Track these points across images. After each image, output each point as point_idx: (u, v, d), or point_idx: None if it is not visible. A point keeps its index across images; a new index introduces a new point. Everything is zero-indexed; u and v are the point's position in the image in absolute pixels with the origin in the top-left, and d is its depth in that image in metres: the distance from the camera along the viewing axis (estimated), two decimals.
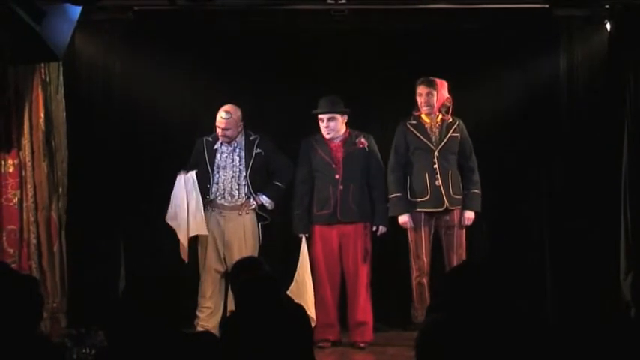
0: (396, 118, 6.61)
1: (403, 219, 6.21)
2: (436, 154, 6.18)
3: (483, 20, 6.43)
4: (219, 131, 6.19)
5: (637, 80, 6.20)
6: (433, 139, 6.21)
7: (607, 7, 6.16)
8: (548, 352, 2.85)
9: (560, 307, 6.35)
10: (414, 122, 6.26)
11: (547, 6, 6.02)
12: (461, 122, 6.28)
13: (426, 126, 6.23)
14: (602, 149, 6.33)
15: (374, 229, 6.22)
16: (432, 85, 6.18)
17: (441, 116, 6.25)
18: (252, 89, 6.62)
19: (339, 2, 6.01)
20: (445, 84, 6.23)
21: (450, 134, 6.22)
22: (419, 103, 6.22)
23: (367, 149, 6.25)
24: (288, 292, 5.75)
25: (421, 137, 6.21)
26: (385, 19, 6.53)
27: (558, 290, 6.40)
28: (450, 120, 6.26)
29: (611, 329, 3.05)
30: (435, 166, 6.17)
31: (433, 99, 6.18)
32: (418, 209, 6.19)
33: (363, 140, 6.25)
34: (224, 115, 6.17)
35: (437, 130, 6.22)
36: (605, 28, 6.31)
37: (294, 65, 6.80)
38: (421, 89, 6.19)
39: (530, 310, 6.11)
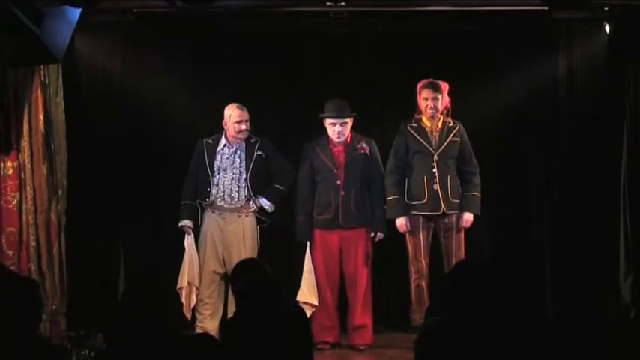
0: (396, 120, 6.61)
1: (400, 222, 6.19)
2: (435, 157, 6.17)
3: (483, 22, 6.43)
4: (238, 127, 6.14)
5: (636, 82, 6.20)
6: (433, 143, 6.19)
7: (606, 9, 6.16)
8: (548, 353, 2.85)
9: (560, 307, 6.35)
10: (415, 125, 6.25)
11: (547, 8, 6.02)
12: (461, 126, 6.27)
13: (427, 129, 6.22)
14: (601, 150, 6.34)
15: (372, 234, 6.22)
16: (437, 89, 6.15)
17: (442, 119, 6.25)
18: (251, 91, 6.61)
19: (339, 4, 6.00)
20: (447, 86, 6.22)
21: (450, 138, 6.21)
22: (423, 106, 6.19)
23: (368, 154, 6.24)
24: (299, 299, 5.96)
25: (421, 140, 6.20)
26: (384, 21, 6.53)
27: (558, 291, 6.41)
28: (451, 124, 6.25)
29: (610, 330, 3.06)
30: (434, 169, 6.15)
31: (438, 103, 6.16)
32: (415, 212, 6.19)
33: (364, 145, 6.24)
34: (242, 108, 6.18)
35: (437, 134, 6.21)
36: (605, 30, 6.32)
37: (294, 67, 6.80)
38: (426, 93, 6.17)
39: (530, 311, 6.11)
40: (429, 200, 6.15)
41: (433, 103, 6.16)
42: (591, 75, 6.44)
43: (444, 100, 6.20)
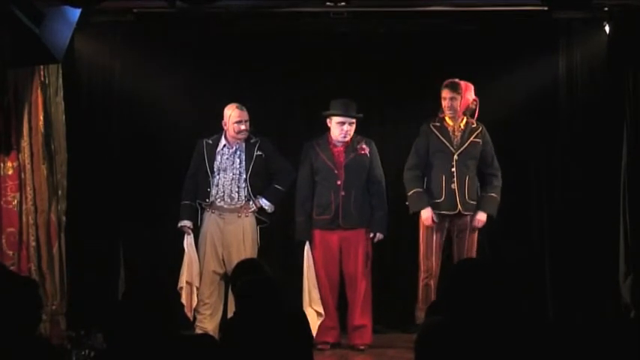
0: (396, 120, 6.60)
1: (426, 213, 6.11)
2: (455, 157, 6.15)
3: (483, 22, 6.43)
4: (237, 127, 6.14)
5: (636, 82, 6.20)
6: (454, 143, 6.17)
7: (606, 9, 6.16)
8: (548, 353, 2.85)
9: (560, 308, 6.35)
10: (438, 124, 6.22)
11: (546, 8, 6.02)
12: (484, 128, 6.25)
13: (449, 128, 6.20)
14: (601, 151, 6.34)
15: (371, 235, 6.21)
16: (456, 89, 6.13)
17: (465, 120, 6.23)
18: (251, 92, 6.62)
19: (339, 4, 6.00)
20: (471, 87, 6.19)
21: (471, 139, 6.19)
22: (442, 106, 6.19)
23: (368, 155, 6.24)
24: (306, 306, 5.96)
25: (442, 139, 6.18)
26: (384, 22, 6.53)
27: (558, 291, 6.40)
28: (474, 125, 6.23)
29: (610, 330, 3.05)
30: (453, 169, 6.14)
31: (456, 103, 6.14)
32: (432, 210, 6.16)
33: (364, 146, 6.23)
34: (242, 108, 6.17)
35: (459, 134, 6.19)
36: (605, 30, 6.31)
37: (294, 67, 6.79)
38: (445, 93, 6.15)
39: (530, 311, 6.11)
40: (446, 199, 6.13)
41: (450, 103, 6.14)
42: (591, 75, 6.44)
43: (464, 100, 6.16)
